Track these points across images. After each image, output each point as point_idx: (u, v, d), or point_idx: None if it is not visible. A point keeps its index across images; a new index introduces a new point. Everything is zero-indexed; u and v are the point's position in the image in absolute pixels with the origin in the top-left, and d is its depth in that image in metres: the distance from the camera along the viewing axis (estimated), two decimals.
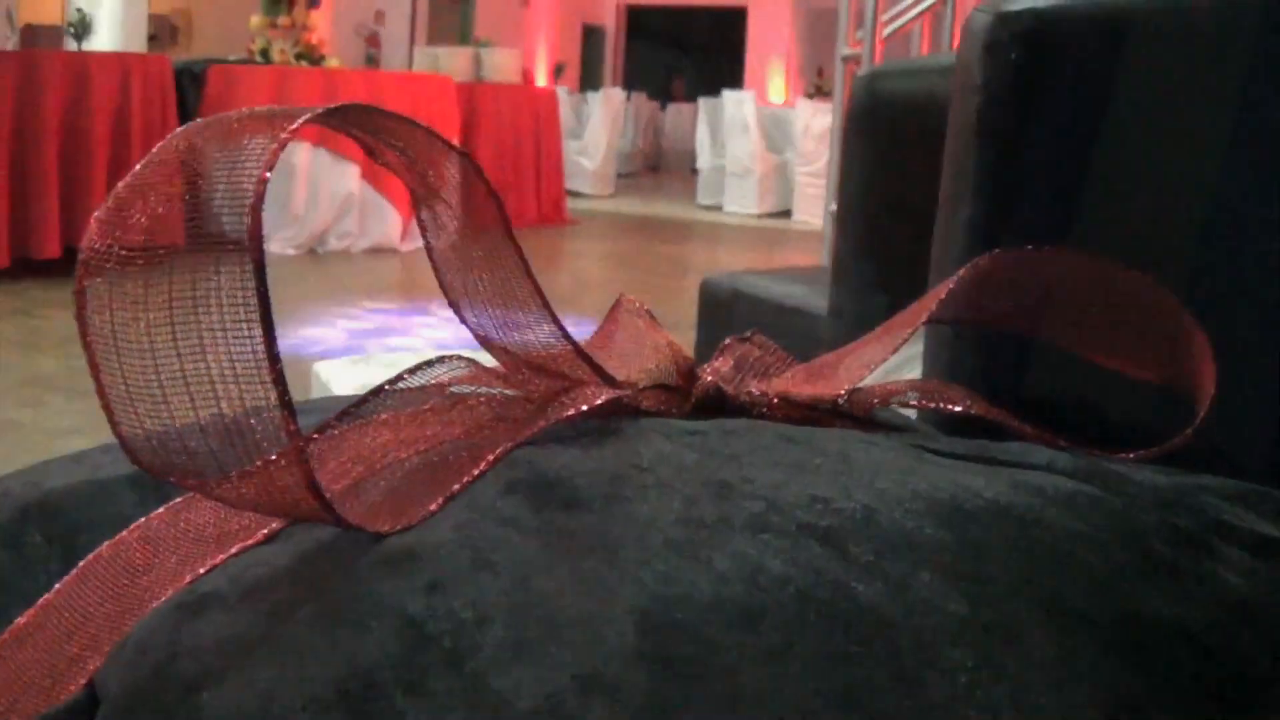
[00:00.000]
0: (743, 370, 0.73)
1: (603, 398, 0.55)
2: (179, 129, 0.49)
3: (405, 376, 0.56)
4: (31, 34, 6.07)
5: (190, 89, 6.28)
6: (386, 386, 0.56)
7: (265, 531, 0.53)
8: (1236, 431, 0.75)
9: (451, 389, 0.57)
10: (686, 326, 3.28)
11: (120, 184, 0.48)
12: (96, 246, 0.48)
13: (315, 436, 0.53)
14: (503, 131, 9.41)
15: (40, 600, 0.57)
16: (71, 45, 6.22)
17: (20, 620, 0.53)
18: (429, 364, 0.57)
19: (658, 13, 19.16)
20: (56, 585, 0.58)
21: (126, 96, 5.64)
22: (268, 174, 0.43)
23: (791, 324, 2.81)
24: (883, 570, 0.40)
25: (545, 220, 9.86)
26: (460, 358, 0.58)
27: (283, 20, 7.50)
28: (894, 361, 1.60)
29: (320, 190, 7.22)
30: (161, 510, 0.60)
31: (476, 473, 0.49)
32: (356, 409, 0.55)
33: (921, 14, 4.46)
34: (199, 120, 0.48)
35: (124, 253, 0.47)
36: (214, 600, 0.47)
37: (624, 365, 0.64)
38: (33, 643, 0.52)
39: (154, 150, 0.48)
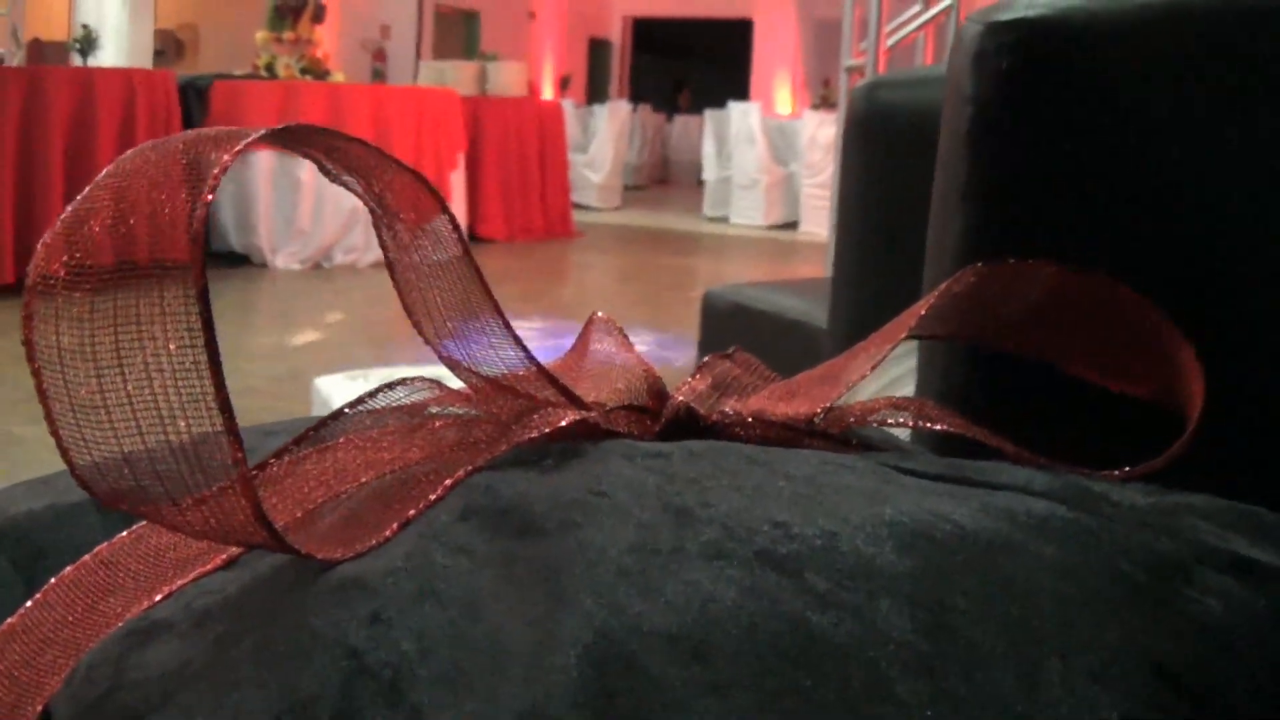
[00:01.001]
0: (721, 389, 0.72)
1: (566, 420, 0.54)
2: (127, 151, 0.48)
3: (366, 399, 0.55)
4: (38, 50, 6.09)
5: (195, 104, 6.30)
6: (346, 409, 0.54)
7: (224, 557, 0.52)
8: (1227, 448, 0.74)
9: (419, 411, 0.56)
10: (692, 340, 3.27)
11: (69, 208, 0.47)
12: (44, 270, 0.47)
13: (270, 462, 0.51)
14: (508, 145, 9.42)
15: (2, 625, 0.56)
16: (77, 61, 6.24)
17: None
18: (391, 386, 0.56)
19: (664, 25, 19.20)
20: (20, 610, 0.57)
21: (131, 112, 5.65)
22: (210, 196, 0.42)
23: (793, 337, 2.79)
24: (839, 599, 0.39)
25: (551, 233, 9.86)
26: (424, 379, 0.57)
27: (288, 35, 7.51)
28: (890, 377, 1.59)
29: (325, 205, 7.22)
30: (124, 534, 0.59)
31: (433, 498, 0.48)
32: (316, 432, 0.54)
33: (925, 25, 4.45)
34: (147, 143, 0.47)
35: (71, 277, 0.46)
36: (163, 628, 0.46)
37: (595, 386, 0.63)
38: None
39: (101, 174, 0.47)
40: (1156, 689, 0.38)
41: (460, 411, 0.57)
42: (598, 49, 19.00)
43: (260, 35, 7.50)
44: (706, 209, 12.08)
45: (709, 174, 12.09)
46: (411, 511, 0.48)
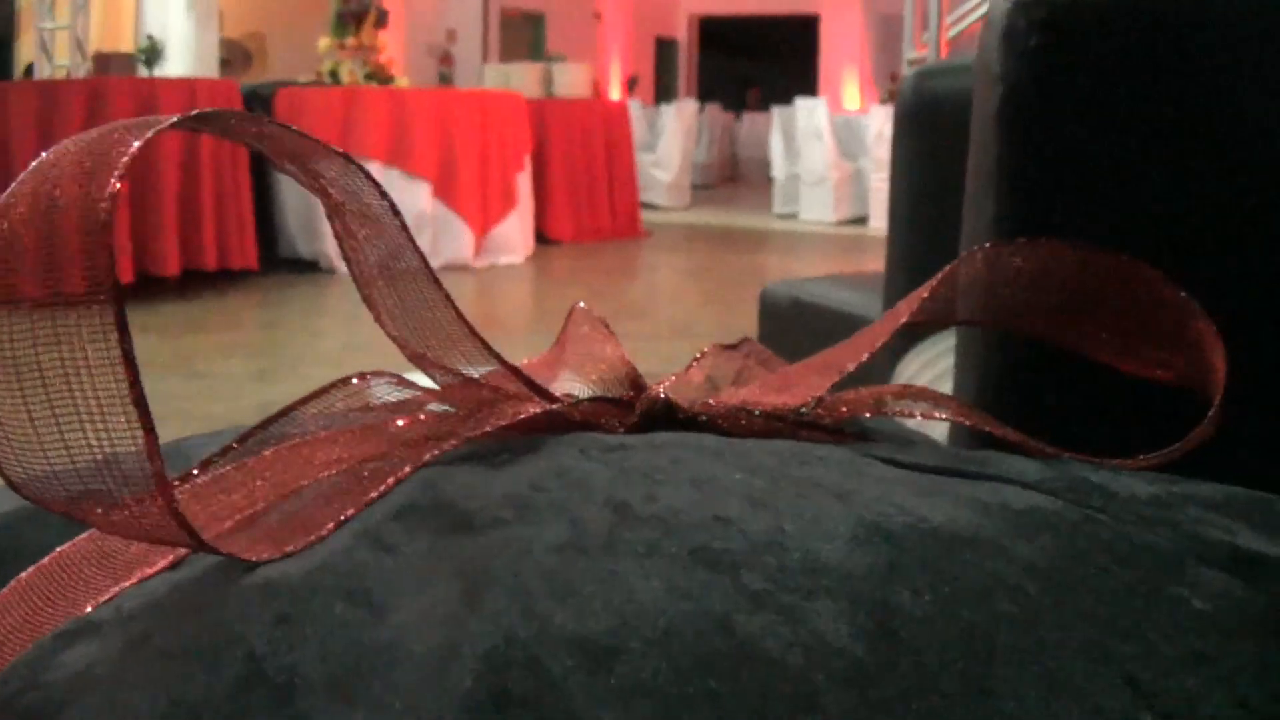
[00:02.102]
0: (717, 381, 0.69)
1: (526, 413, 0.51)
2: (52, 148, 0.46)
3: (316, 396, 0.52)
4: (103, 62, 6.18)
5: (259, 112, 6.36)
6: (299, 409, 0.52)
7: (170, 559, 0.50)
8: (1252, 434, 0.69)
9: (385, 407, 0.54)
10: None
11: None
12: None
13: (212, 462, 0.49)
14: (574, 146, 9.43)
15: None
16: (143, 72, 6.32)
17: None
18: (344, 381, 0.53)
19: (730, 23, 19.14)
20: None
21: None
22: (117, 184, 0.40)
23: (851, 331, 2.75)
24: (774, 601, 0.35)
25: (619, 233, 9.85)
26: (385, 374, 0.55)
27: (350, 41, 7.56)
28: (943, 367, 1.55)
29: None
30: (82, 536, 0.57)
31: (373, 496, 0.46)
32: (265, 430, 0.52)
33: (985, 15, 4.38)
34: (69, 139, 0.45)
35: None
36: (89, 630, 0.44)
37: (572, 379, 0.60)
38: None
39: (21, 175, 0.45)
40: (1124, 703, 0.35)
41: (432, 408, 0.54)
42: (664, 48, 18.96)
43: (323, 42, 7.56)
44: (776, 206, 12.01)
45: (777, 171, 12.02)
46: (351, 510, 0.45)
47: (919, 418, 0.62)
